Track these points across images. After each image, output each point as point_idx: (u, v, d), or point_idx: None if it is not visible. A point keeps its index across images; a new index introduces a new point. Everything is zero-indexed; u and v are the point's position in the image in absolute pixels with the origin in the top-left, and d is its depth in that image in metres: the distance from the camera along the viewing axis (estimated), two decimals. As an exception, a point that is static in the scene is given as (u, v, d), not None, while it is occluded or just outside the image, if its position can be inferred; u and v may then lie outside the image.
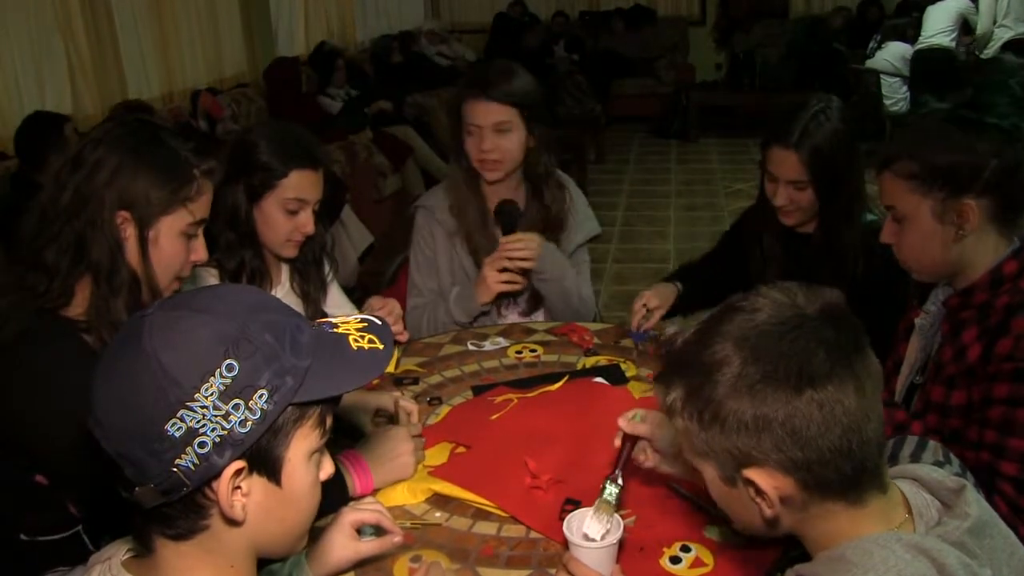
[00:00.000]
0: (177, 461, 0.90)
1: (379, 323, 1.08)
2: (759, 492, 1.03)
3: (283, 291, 2.15)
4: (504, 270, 2.32)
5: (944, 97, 1.59)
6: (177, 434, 0.89)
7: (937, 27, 7.30)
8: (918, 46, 7.42)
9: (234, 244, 2.01)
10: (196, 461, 0.90)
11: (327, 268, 2.24)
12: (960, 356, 1.55)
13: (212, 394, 0.90)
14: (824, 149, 2.01)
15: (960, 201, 1.51)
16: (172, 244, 1.57)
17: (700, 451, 1.07)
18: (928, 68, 7.11)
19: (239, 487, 0.95)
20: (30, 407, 1.43)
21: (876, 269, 1.78)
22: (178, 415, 0.89)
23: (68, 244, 1.49)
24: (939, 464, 1.15)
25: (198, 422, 0.89)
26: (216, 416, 0.90)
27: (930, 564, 0.95)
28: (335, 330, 1.04)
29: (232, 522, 0.97)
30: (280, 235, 2.02)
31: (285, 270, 2.17)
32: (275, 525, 1.01)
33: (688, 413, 1.05)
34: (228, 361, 0.90)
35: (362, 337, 1.03)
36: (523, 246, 2.29)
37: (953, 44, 7.27)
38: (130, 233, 1.52)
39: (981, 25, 7.30)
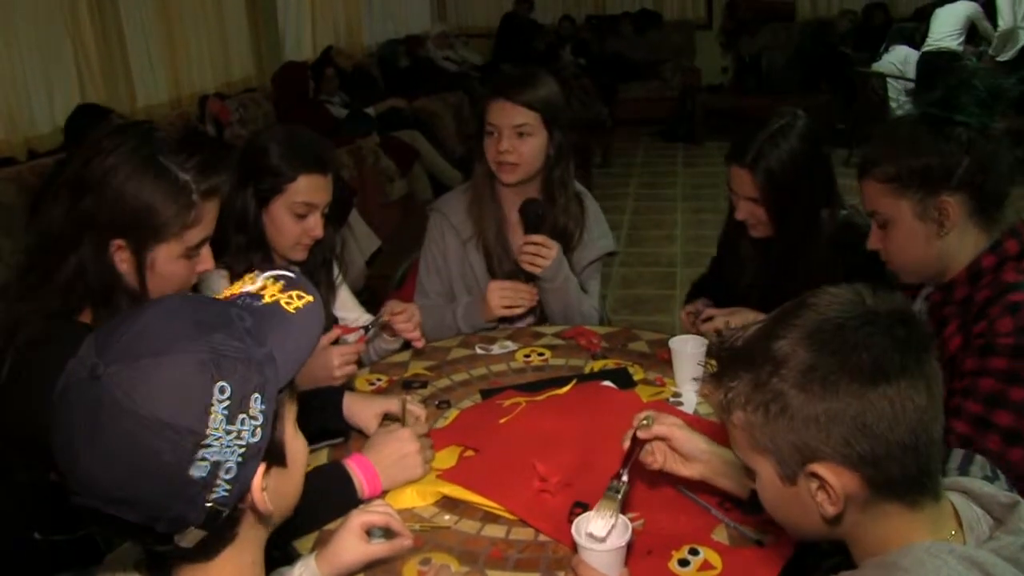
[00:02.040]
0: (211, 496, 0.89)
1: (293, 276, 1.05)
2: (824, 488, 1.02)
3: None
4: (514, 274, 2.33)
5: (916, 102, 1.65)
6: (204, 474, 0.88)
7: (944, 30, 7.28)
8: (925, 49, 7.40)
9: (243, 247, 2.02)
10: (228, 487, 0.90)
11: (336, 271, 2.25)
12: (942, 350, 1.58)
13: (220, 422, 0.88)
14: (776, 171, 2.03)
15: (938, 198, 1.57)
16: (170, 267, 1.55)
17: (760, 447, 1.06)
18: (934, 72, 7.10)
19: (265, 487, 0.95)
20: (44, 405, 1.44)
21: (853, 267, 1.80)
22: (199, 456, 0.87)
23: (73, 269, 1.49)
24: (987, 479, 1.14)
25: (218, 453, 0.88)
26: (231, 440, 0.89)
27: None
28: (264, 301, 1.01)
29: (263, 518, 0.98)
30: (289, 239, 2.03)
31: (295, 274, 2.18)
32: (285, 502, 1.03)
33: (752, 406, 1.04)
34: (219, 384, 0.89)
35: (291, 297, 1.01)
36: (538, 250, 2.29)
37: (960, 48, 7.25)
38: (126, 258, 1.52)
39: (1003, 22, 7.27)
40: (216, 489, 0.89)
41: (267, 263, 2.05)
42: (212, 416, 0.88)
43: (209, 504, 0.89)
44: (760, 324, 1.08)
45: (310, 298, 1.02)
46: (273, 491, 0.97)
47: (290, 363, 0.96)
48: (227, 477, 0.89)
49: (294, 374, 0.98)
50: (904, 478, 1.00)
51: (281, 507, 1.02)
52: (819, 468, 1.01)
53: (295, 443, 1.02)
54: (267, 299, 1.01)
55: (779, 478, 1.06)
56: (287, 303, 1.00)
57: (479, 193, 2.39)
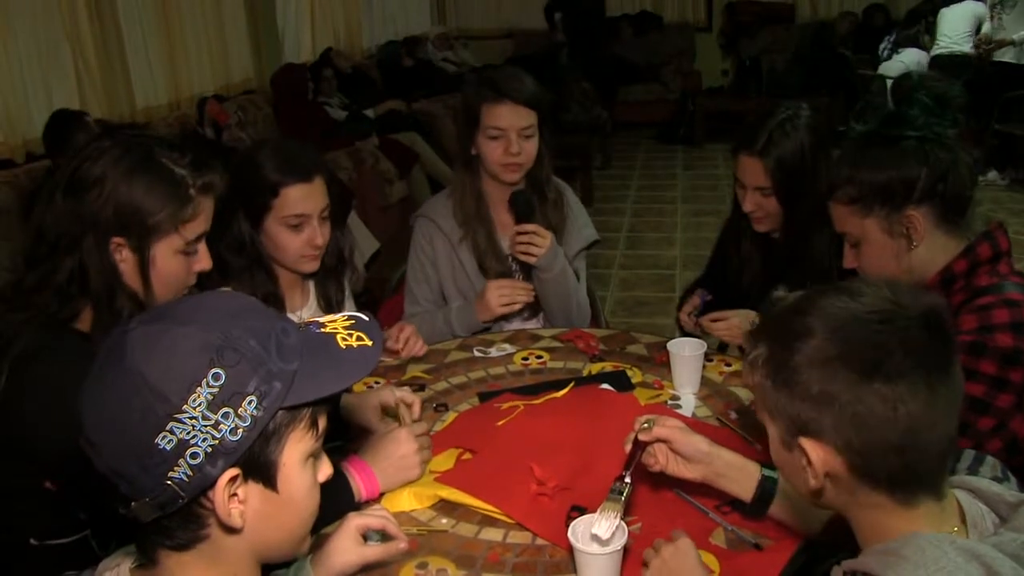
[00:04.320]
0: (170, 474, 0.90)
1: (367, 319, 1.07)
2: (809, 462, 1.05)
3: (310, 311, 2.14)
4: (514, 262, 2.33)
5: (865, 119, 1.68)
6: (168, 447, 0.89)
7: (957, 31, 7.21)
8: (937, 51, 7.33)
9: (245, 270, 1.99)
10: (189, 472, 0.90)
11: (347, 275, 2.22)
12: None
13: (200, 405, 0.89)
14: (787, 159, 2.06)
15: (902, 213, 1.60)
16: (169, 264, 1.55)
17: (769, 410, 1.10)
18: (953, 75, 7.04)
19: (235, 494, 0.95)
20: (40, 415, 1.44)
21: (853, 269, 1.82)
22: (167, 428, 0.88)
23: (71, 273, 1.49)
24: (997, 480, 1.15)
25: (188, 434, 0.89)
26: (206, 426, 0.89)
27: (983, 571, 0.95)
28: (322, 330, 1.03)
29: (231, 530, 0.97)
30: (292, 253, 2.00)
31: (312, 289, 2.17)
32: (275, 530, 1.02)
33: (766, 372, 1.08)
34: (214, 370, 0.90)
35: (350, 335, 1.02)
36: (532, 239, 2.28)
37: (972, 51, 7.20)
38: (126, 256, 1.52)
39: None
40: (177, 470, 0.90)
41: (271, 283, 2.03)
42: (194, 395, 0.89)
43: (168, 483, 0.90)
44: (798, 297, 1.11)
45: (369, 343, 1.03)
46: (257, 512, 0.97)
47: (311, 390, 0.97)
48: (191, 462, 0.90)
49: (311, 401, 0.98)
50: (889, 476, 1.02)
51: (268, 534, 1.01)
52: (807, 443, 1.05)
53: (297, 475, 1.00)
54: (327, 329, 1.03)
55: (781, 443, 1.11)
56: (343, 339, 1.02)
57: (464, 195, 2.39)
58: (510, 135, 2.25)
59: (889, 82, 7.40)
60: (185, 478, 0.90)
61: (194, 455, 0.89)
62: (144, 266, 1.53)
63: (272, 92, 6.72)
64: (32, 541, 1.53)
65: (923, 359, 1.00)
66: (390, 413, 1.81)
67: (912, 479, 1.03)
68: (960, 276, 1.61)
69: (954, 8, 7.34)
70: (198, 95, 6.24)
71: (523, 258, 2.32)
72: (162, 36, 6.14)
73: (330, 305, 2.17)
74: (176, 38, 6.26)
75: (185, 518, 0.95)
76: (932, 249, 1.63)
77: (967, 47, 7.20)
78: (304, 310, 2.13)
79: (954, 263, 1.62)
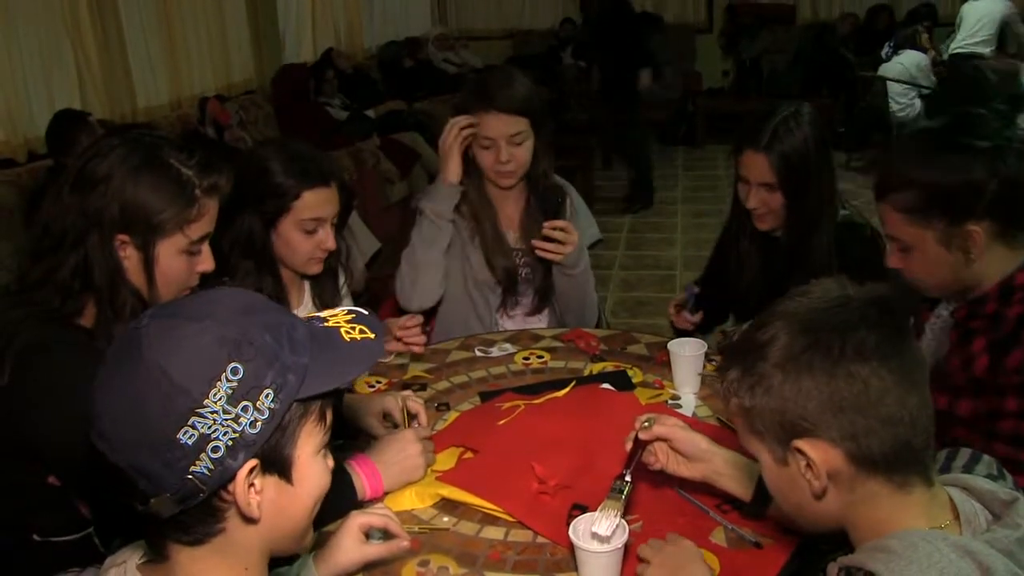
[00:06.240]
0: (192, 468, 0.90)
1: (366, 313, 1.09)
2: (808, 464, 1.05)
3: (306, 310, 2.14)
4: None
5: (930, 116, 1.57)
6: (190, 442, 0.89)
7: (981, 33, 7.04)
8: (956, 50, 7.20)
9: (252, 271, 1.99)
10: (211, 466, 0.91)
11: (343, 279, 2.23)
12: (968, 366, 1.54)
13: (220, 399, 0.90)
14: (792, 154, 2.05)
15: (963, 227, 1.48)
16: (172, 263, 1.56)
17: (755, 429, 1.10)
18: (960, 76, 6.92)
19: (253, 484, 0.96)
20: (43, 411, 1.44)
21: (850, 268, 1.79)
22: (189, 423, 0.89)
23: (74, 268, 1.49)
24: (992, 478, 1.15)
25: (210, 427, 0.90)
26: (227, 420, 0.90)
27: (976, 568, 0.96)
28: (325, 324, 1.04)
29: (249, 521, 0.98)
30: (302, 255, 2.01)
31: (308, 289, 2.17)
32: (287, 522, 1.02)
33: (743, 391, 1.09)
34: (232, 364, 0.91)
35: (353, 328, 1.04)
36: (565, 237, 2.27)
37: (993, 55, 7.01)
38: (130, 254, 1.52)
39: None
40: (198, 464, 0.90)
41: (277, 285, 2.03)
42: (215, 390, 0.90)
43: (189, 476, 0.91)
44: (753, 320, 1.13)
45: (371, 335, 1.05)
46: (273, 504, 0.98)
47: (322, 383, 0.98)
48: (212, 456, 0.91)
49: (322, 393, 0.99)
50: (884, 454, 1.03)
51: (281, 526, 1.02)
52: (802, 444, 1.05)
53: (311, 468, 1.01)
54: (329, 323, 1.05)
55: (774, 461, 1.11)
56: (346, 332, 1.03)
57: (468, 193, 2.39)
58: (499, 143, 2.25)
59: (890, 83, 7.36)
60: (207, 472, 0.91)
61: (215, 449, 0.90)
62: (148, 264, 1.53)
63: (273, 92, 6.72)
64: (35, 537, 1.54)
65: (885, 333, 1.03)
66: (392, 420, 1.81)
67: (905, 456, 1.04)
68: (1020, 288, 1.52)
69: (976, 6, 7.09)
70: (199, 95, 6.25)
71: (550, 256, 2.30)
72: (163, 35, 6.15)
73: (325, 305, 2.17)
74: (177, 38, 6.27)
75: (203, 512, 0.95)
76: (989, 263, 1.52)
77: (987, 50, 7.04)
78: (300, 309, 2.13)
79: (1017, 274, 1.52)
